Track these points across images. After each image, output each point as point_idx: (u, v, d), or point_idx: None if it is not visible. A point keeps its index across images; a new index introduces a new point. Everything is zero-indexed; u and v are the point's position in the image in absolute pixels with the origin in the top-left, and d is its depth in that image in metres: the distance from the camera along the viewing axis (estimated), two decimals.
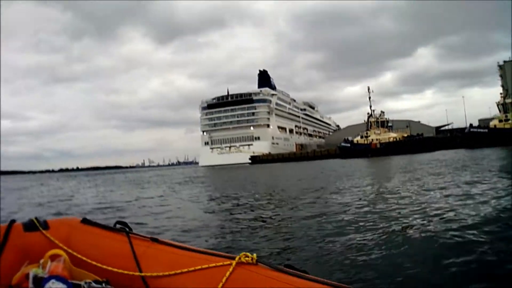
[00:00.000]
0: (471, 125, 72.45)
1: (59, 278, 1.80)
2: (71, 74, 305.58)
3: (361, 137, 76.40)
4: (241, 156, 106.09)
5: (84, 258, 2.18)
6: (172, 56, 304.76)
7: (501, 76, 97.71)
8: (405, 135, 75.07)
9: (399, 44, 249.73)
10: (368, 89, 77.62)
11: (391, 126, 78.83)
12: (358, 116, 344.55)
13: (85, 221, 2.44)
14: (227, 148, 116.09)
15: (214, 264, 1.94)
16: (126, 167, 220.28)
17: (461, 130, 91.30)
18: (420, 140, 71.74)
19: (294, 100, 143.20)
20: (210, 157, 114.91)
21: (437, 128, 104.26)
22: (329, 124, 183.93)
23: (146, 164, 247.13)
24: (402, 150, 63.98)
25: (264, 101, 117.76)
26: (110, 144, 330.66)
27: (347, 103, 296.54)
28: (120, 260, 2.17)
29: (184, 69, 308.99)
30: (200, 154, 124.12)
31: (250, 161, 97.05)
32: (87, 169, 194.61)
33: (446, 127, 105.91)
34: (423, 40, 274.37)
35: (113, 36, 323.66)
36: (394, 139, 72.46)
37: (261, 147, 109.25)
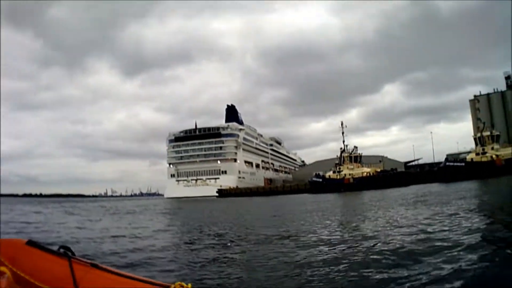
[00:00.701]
0: (446, 159, 74.08)
1: None
2: (38, 102, 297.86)
3: (333, 172, 75.97)
4: (208, 189, 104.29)
5: (26, 277, 2.31)
6: (138, 89, 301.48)
7: (477, 109, 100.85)
8: (378, 170, 75.17)
9: (366, 81, 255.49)
10: (342, 124, 77.98)
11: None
12: (322, 152, 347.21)
13: (30, 243, 2.54)
14: (194, 181, 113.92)
15: None
16: (89, 196, 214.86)
17: (431, 164, 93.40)
18: (394, 175, 72.01)
19: (261, 135, 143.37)
20: (176, 189, 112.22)
21: (406, 163, 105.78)
22: (295, 160, 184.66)
23: (109, 194, 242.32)
24: (376, 185, 63.88)
25: (232, 135, 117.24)
26: (73, 173, 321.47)
27: (311, 139, 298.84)
28: (61, 283, 2.28)
29: (149, 102, 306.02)
30: (166, 186, 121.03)
31: (217, 194, 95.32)
32: (50, 196, 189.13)
33: (415, 162, 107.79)
34: (390, 76, 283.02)
35: (81, 66, 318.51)
36: (368, 174, 72.41)
37: (227, 181, 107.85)
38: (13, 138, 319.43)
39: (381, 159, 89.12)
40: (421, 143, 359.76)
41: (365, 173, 72.88)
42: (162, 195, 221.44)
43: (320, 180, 75.52)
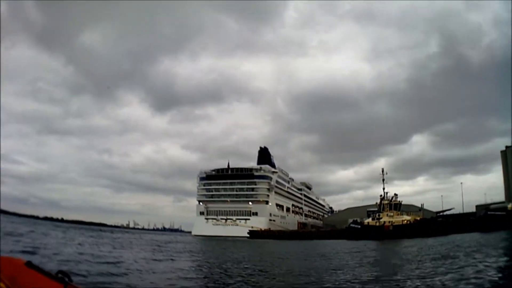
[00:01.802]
0: (487, 208, 71.88)
1: None
2: (66, 128, 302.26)
3: (373, 219, 74.08)
4: (238, 229, 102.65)
5: None
6: (168, 125, 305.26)
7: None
8: (418, 218, 72.80)
9: (395, 131, 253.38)
10: (382, 170, 76.76)
11: None
12: (348, 200, 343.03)
13: (29, 264, 2.63)
14: (223, 220, 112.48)
15: None
16: (111, 226, 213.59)
17: (461, 215, 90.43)
18: (435, 223, 69.65)
19: (293, 179, 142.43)
20: (204, 227, 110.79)
21: (437, 213, 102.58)
22: (324, 206, 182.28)
23: (131, 225, 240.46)
24: (416, 232, 61.82)
25: (265, 177, 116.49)
26: (96, 201, 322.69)
27: (338, 186, 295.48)
28: None
29: (177, 139, 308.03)
30: (194, 223, 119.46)
31: (248, 235, 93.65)
32: (72, 222, 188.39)
33: (446, 213, 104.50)
34: (419, 127, 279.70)
35: (111, 97, 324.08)
36: (408, 222, 70.21)
37: (258, 223, 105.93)
38: (37, 161, 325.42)
39: (421, 207, 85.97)
40: (447, 194, 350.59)
41: (405, 221, 70.73)
42: (184, 231, 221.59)
43: (359, 226, 73.56)
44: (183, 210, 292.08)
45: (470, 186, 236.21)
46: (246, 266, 16.18)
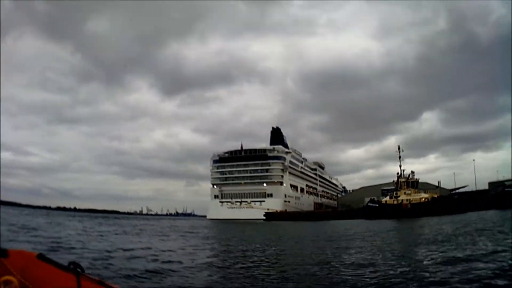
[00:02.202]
0: (503, 185, 71.06)
1: None
2: (75, 116, 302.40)
3: (390, 197, 73.58)
4: (254, 211, 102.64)
5: None
6: (178, 109, 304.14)
7: None
8: (435, 195, 72.09)
9: (405, 108, 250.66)
10: (399, 148, 76.05)
11: None
12: (359, 180, 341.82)
13: (41, 256, 2.63)
14: (238, 203, 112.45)
15: None
16: (124, 213, 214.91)
17: (474, 193, 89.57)
18: (453, 201, 69.05)
19: (306, 159, 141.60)
20: (219, 211, 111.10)
21: (451, 191, 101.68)
22: (337, 186, 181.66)
23: (144, 212, 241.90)
24: (434, 211, 61.41)
25: (278, 158, 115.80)
26: (108, 189, 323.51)
27: (350, 165, 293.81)
28: None
29: (188, 122, 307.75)
30: (208, 207, 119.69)
31: (264, 218, 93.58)
32: (84, 210, 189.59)
33: (459, 190, 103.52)
34: (430, 104, 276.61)
35: (120, 83, 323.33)
36: (426, 200, 69.60)
37: (273, 204, 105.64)
38: (48, 151, 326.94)
39: (438, 184, 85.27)
40: (458, 171, 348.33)
41: (423, 199, 70.16)
42: (197, 215, 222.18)
43: (376, 205, 73.10)
44: (196, 194, 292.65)
45: (481, 163, 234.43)
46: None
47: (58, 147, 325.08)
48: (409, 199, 70.24)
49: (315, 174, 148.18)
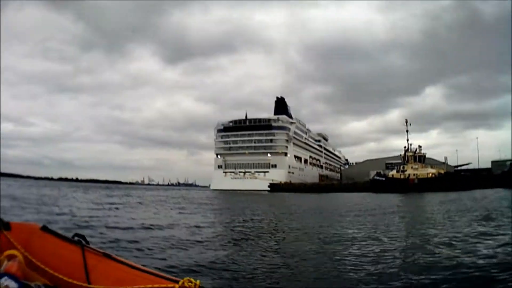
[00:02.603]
0: (511, 164, 70.56)
1: (11, 276, 1.97)
2: (77, 85, 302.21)
3: (397, 171, 73.00)
4: (258, 182, 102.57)
5: (38, 263, 2.37)
6: (180, 77, 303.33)
7: None
8: (442, 171, 71.47)
9: (408, 82, 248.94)
10: (406, 121, 74.99)
11: None
12: (361, 152, 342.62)
13: (44, 228, 2.62)
14: (241, 174, 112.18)
15: (157, 285, 2.12)
16: (126, 183, 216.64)
17: (477, 170, 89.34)
18: (461, 177, 68.58)
19: (310, 130, 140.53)
20: (223, 181, 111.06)
21: (455, 168, 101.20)
22: (339, 158, 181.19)
23: (146, 182, 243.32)
24: (441, 186, 60.84)
25: (283, 128, 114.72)
26: (110, 159, 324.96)
27: (351, 138, 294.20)
28: (72, 270, 2.35)
29: (190, 91, 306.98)
30: (212, 177, 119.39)
31: (268, 189, 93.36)
32: (86, 181, 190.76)
33: (465, 167, 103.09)
34: (433, 78, 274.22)
35: (122, 52, 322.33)
36: (433, 175, 69.02)
37: (277, 175, 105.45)
38: (49, 121, 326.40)
39: (445, 160, 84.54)
40: (459, 149, 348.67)
41: (430, 174, 69.59)
42: (199, 185, 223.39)
43: (383, 179, 72.56)
44: (197, 164, 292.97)
45: (483, 141, 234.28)
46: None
47: (59, 117, 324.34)
48: (416, 174, 69.68)
49: (319, 146, 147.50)
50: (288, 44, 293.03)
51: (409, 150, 73.36)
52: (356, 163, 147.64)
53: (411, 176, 69.68)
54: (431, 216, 18.62)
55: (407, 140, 74.36)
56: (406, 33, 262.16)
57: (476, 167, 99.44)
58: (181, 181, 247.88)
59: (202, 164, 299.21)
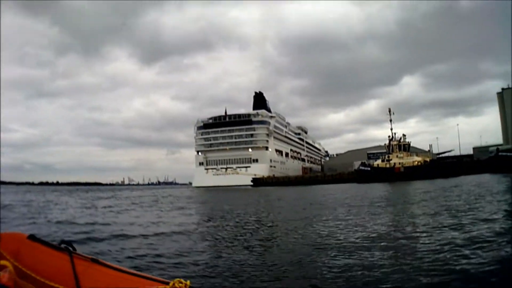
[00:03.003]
0: (497, 149, 71.01)
1: (3, 287, 1.98)
2: (55, 89, 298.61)
3: (382, 160, 72.58)
4: (241, 178, 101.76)
5: (28, 272, 2.37)
6: (157, 77, 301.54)
7: None
8: (427, 159, 71.40)
9: (385, 72, 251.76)
10: (389, 110, 74.34)
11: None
12: (340, 144, 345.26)
13: (31, 237, 2.60)
14: (223, 170, 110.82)
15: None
16: (106, 184, 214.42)
17: (459, 157, 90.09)
18: (446, 165, 68.65)
19: (289, 124, 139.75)
20: (205, 178, 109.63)
21: (437, 155, 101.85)
22: (320, 150, 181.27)
23: (126, 182, 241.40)
24: (427, 174, 60.97)
25: (263, 122, 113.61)
26: (90, 161, 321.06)
27: (330, 130, 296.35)
28: (61, 277, 2.34)
29: (167, 90, 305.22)
30: (194, 175, 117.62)
31: (251, 184, 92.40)
32: (67, 184, 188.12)
33: (447, 154, 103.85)
34: (410, 68, 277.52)
35: (98, 54, 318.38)
36: (419, 163, 68.86)
37: (259, 170, 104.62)
38: (28, 126, 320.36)
39: (430, 148, 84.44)
40: (439, 136, 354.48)
41: (416, 162, 69.42)
42: (179, 183, 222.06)
43: (368, 169, 72.15)
44: (177, 162, 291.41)
45: (463, 128, 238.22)
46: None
47: (39, 121, 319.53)
48: (402, 163, 69.38)
49: (299, 139, 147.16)
50: (264, 39, 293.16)
51: (394, 139, 72.97)
52: (337, 155, 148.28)
53: (397, 165, 69.35)
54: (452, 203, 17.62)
55: (391, 129, 74.13)
56: (382, 24, 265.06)
57: (458, 154, 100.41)
58: (161, 180, 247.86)
59: (181, 162, 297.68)
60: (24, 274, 2.34)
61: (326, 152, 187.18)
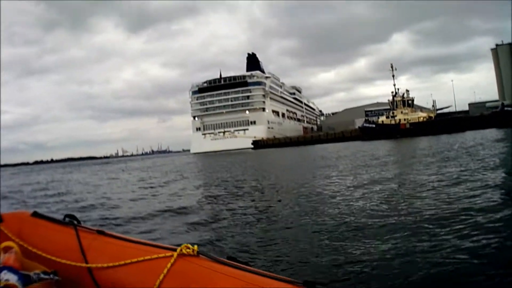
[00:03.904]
0: (503, 104, 70.58)
1: (10, 269, 1.94)
2: (43, 66, 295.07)
3: (387, 117, 71.74)
4: (240, 141, 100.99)
5: (34, 250, 2.31)
6: (145, 45, 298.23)
7: None
8: (432, 115, 70.66)
9: (374, 30, 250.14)
10: (391, 66, 73.15)
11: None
12: (331, 103, 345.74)
13: (35, 214, 2.54)
14: (221, 134, 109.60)
15: (156, 256, 2.03)
16: (100, 158, 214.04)
17: (457, 113, 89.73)
18: (452, 120, 67.93)
19: (284, 84, 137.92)
20: (203, 144, 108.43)
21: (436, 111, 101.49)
22: (314, 109, 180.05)
23: (120, 154, 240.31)
24: (433, 130, 60.37)
25: (259, 84, 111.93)
26: (82, 135, 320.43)
27: (321, 89, 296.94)
28: (68, 252, 2.28)
29: (157, 57, 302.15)
30: (191, 141, 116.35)
31: (252, 146, 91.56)
32: (61, 161, 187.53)
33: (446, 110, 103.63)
34: (399, 25, 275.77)
35: (85, 27, 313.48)
36: (424, 119, 68.17)
37: (257, 132, 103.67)
38: (19, 106, 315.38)
39: (433, 103, 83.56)
40: (431, 93, 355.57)
41: (421, 118, 68.68)
42: (173, 151, 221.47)
43: (373, 126, 71.43)
44: (169, 130, 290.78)
45: (455, 84, 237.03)
46: None
47: (30, 100, 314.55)
48: (407, 119, 68.65)
49: (294, 99, 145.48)
50: (252, 1, 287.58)
51: (397, 95, 71.95)
52: (332, 114, 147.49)
53: (402, 121, 68.69)
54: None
55: (394, 85, 73.14)
56: None
57: (453, 110, 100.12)
58: (155, 149, 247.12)
59: (174, 130, 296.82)
60: (30, 253, 2.29)
61: (320, 111, 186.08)
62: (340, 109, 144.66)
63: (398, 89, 72.84)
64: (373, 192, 10.36)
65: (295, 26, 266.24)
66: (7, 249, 2.13)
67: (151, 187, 17.84)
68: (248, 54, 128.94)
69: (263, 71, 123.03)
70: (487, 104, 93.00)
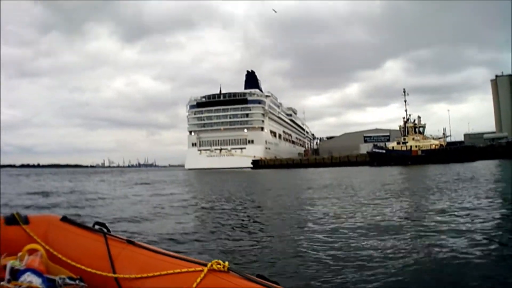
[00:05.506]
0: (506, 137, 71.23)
1: (34, 271, 1.89)
2: (37, 69, 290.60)
3: (398, 143, 70.22)
4: (237, 159, 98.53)
5: (60, 255, 2.25)
6: (138, 56, 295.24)
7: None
8: (443, 143, 69.50)
9: (368, 56, 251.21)
10: (404, 91, 71.82)
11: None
12: (320, 127, 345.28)
13: (64, 219, 2.48)
14: (217, 151, 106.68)
15: (186, 270, 1.99)
16: (86, 166, 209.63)
17: (453, 143, 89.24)
18: (464, 149, 66.91)
19: (281, 104, 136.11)
20: (199, 160, 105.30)
21: None
22: (307, 132, 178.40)
23: (106, 164, 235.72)
24: (444, 158, 60.08)
25: (259, 102, 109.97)
26: (70, 142, 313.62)
27: (311, 113, 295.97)
28: (95, 260, 2.23)
29: (149, 69, 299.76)
30: (186, 156, 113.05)
31: (251, 166, 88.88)
32: (48, 166, 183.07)
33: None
34: (393, 52, 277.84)
35: (80, 31, 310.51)
36: (436, 147, 66.87)
37: (254, 151, 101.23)
38: (9, 107, 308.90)
39: (444, 132, 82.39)
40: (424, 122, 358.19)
41: (433, 146, 67.34)
42: (159, 166, 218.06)
43: (383, 151, 69.71)
44: (157, 144, 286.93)
45: (445, 114, 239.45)
46: None
47: (19, 102, 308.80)
48: (419, 146, 67.32)
49: (290, 120, 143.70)
50: (248, 18, 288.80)
51: (409, 122, 70.63)
52: (327, 138, 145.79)
53: (414, 148, 67.31)
54: None
55: (406, 110, 71.78)
56: (367, 5, 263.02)
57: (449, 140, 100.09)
58: (142, 162, 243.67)
59: (161, 144, 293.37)
60: (56, 258, 2.21)
61: (313, 134, 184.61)
62: (330, 134, 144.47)
63: (410, 115, 71.60)
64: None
65: (290, 46, 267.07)
66: (32, 252, 2.07)
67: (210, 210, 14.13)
68: (247, 71, 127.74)
69: (261, 90, 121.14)
70: (485, 136, 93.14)
